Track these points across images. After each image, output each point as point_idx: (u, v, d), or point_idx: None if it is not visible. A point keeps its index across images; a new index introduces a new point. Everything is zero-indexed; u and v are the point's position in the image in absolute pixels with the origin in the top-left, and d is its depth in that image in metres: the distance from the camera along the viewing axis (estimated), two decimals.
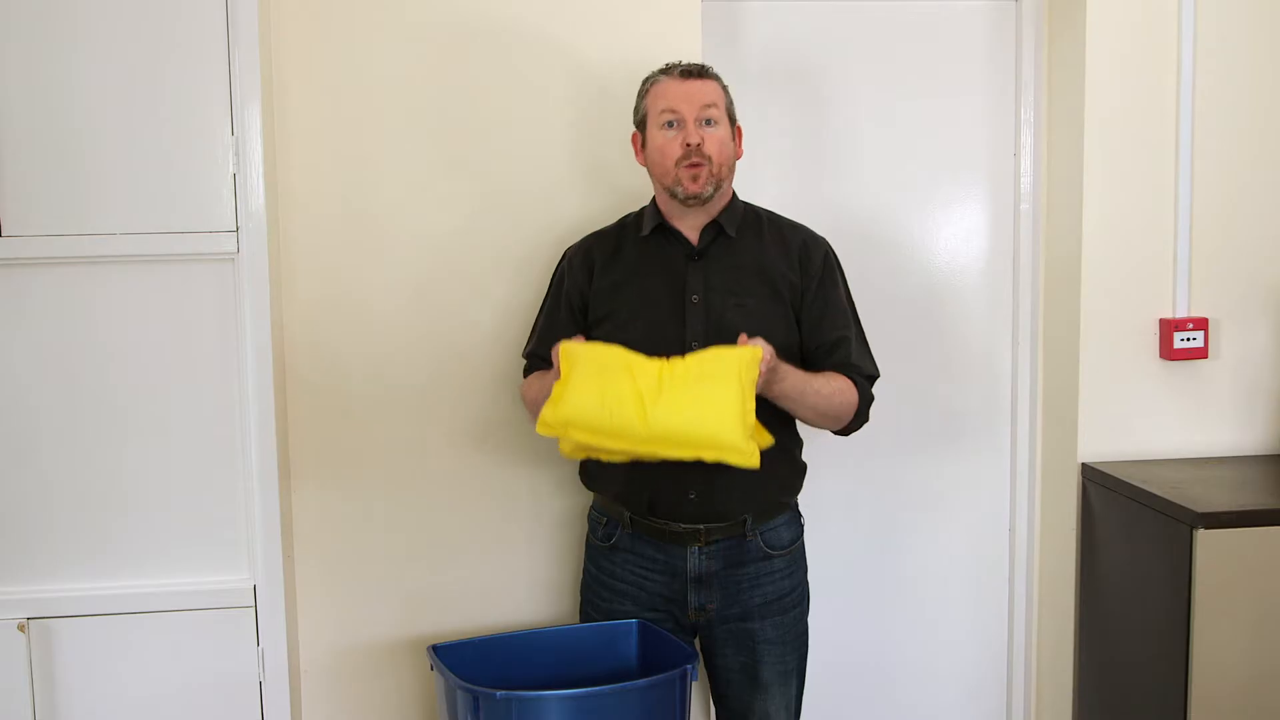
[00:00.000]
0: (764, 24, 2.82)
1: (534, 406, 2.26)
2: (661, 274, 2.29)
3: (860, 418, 2.28)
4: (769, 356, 2.07)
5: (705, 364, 2.07)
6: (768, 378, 2.09)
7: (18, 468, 2.36)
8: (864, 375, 2.28)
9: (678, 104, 2.22)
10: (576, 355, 2.12)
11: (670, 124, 2.23)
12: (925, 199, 2.91)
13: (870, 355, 2.33)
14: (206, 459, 2.40)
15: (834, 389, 2.22)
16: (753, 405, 2.05)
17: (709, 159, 2.21)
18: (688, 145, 2.20)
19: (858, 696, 2.99)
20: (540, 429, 2.13)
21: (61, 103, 2.27)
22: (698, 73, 2.24)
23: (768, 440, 2.16)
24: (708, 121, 2.22)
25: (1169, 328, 2.73)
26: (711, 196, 2.25)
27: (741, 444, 2.04)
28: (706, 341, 2.19)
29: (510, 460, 2.63)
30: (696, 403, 2.04)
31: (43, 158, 2.28)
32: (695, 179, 2.22)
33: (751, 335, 2.11)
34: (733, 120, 2.28)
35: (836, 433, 2.30)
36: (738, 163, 2.31)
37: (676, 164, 2.22)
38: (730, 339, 2.12)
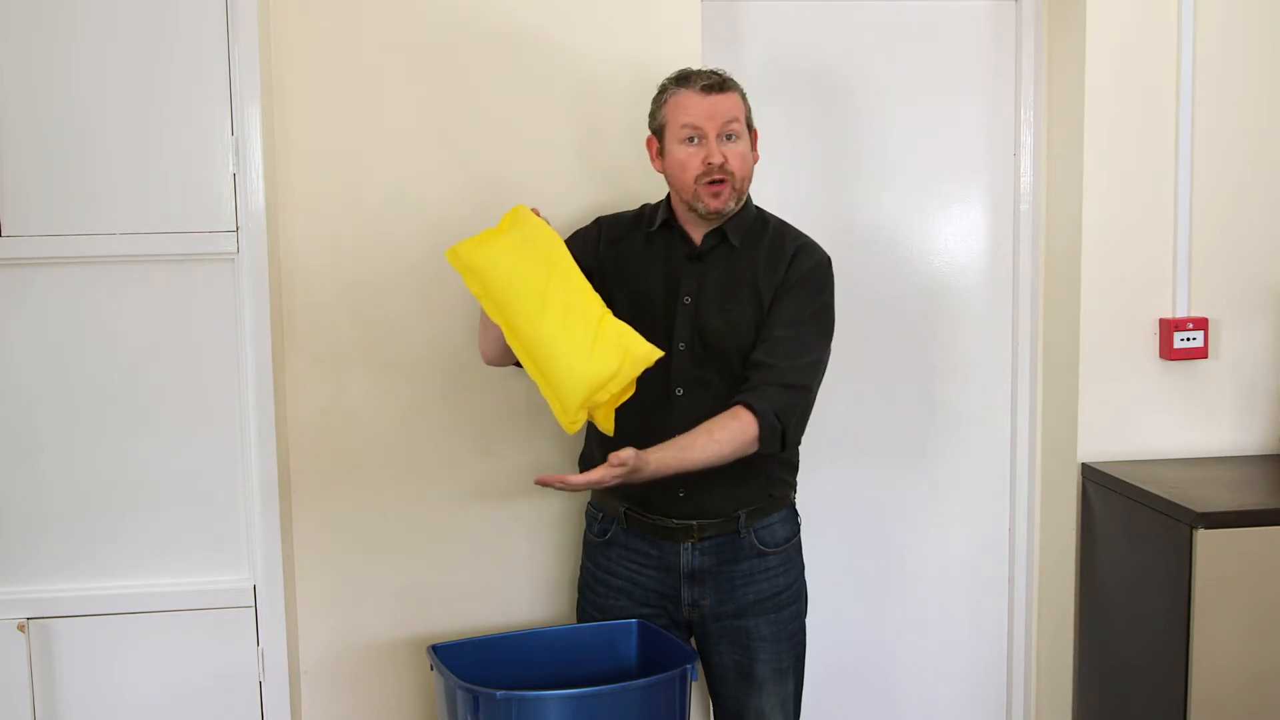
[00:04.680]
0: (764, 25, 2.81)
1: (483, 339, 2.33)
2: (660, 271, 2.29)
3: (771, 442, 2.14)
4: (630, 458, 2.03)
5: (617, 333, 2.09)
6: (629, 477, 2.07)
7: (18, 467, 2.36)
8: (780, 384, 2.15)
9: (700, 120, 2.18)
10: (525, 221, 2.14)
11: (692, 139, 2.20)
12: (925, 199, 2.91)
13: (808, 368, 2.19)
14: (206, 459, 2.40)
15: (717, 441, 2.10)
16: (616, 390, 2.08)
17: (732, 175, 2.19)
18: (710, 164, 2.18)
19: (857, 697, 2.99)
20: (448, 254, 2.17)
21: (61, 103, 2.27)
22: (719, 86, 2.19)
23: (608, 430, 2.17)
24: (729, 136, 2.20)
25: (1169, 328, 2.73)
26: (734, 211, 2.24)
27: (571, 409, 2.09)
28: (692, 343, 2.21)
29: (509, 459, 2.63)
30: (576, 348, 2.06)
31: (42, 158, 2.28)
32: (717, 196, 2.20)
33: (731, 342, 2.14)
34: (750, 127, 2.26)
35: (766, 455, 2.18)
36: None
37: (697, 181, 2.19)
38: (714, 344, 2.16)
